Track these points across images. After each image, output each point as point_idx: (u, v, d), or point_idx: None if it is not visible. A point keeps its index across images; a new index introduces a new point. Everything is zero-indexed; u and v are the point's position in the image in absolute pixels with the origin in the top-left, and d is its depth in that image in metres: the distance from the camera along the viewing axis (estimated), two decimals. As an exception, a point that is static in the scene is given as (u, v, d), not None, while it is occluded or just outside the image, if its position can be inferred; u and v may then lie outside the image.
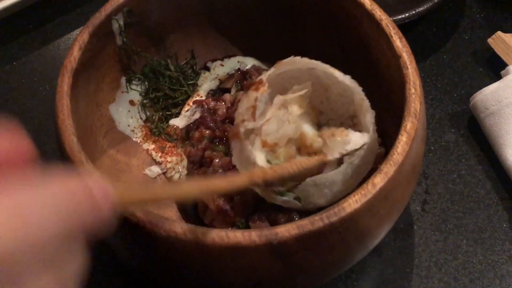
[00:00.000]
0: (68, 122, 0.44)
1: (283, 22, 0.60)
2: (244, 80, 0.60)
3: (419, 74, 0.46)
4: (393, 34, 0.47)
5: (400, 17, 0.68)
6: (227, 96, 0.58)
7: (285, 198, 0.45)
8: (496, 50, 0.67)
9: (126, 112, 0.59)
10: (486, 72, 0.69)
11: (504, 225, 0.57)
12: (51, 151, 0.62)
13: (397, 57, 0.46)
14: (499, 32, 0.67)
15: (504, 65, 0.65)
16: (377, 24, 0.48)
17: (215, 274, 0.40)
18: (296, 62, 0.48)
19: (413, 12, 0.68)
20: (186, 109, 0.61)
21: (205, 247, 0.38)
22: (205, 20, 0.61)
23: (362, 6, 0.49)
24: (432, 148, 0.63)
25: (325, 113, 0.51)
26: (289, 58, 0.48)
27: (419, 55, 0.70)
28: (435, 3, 0.69)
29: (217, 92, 0.62)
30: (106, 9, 0.51)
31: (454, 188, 0.60)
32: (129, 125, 0.59)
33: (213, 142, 0.54)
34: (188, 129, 0.58)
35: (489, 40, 0.67)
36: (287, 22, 0.60)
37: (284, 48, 0.60)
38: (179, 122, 0.60)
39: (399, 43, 0.46)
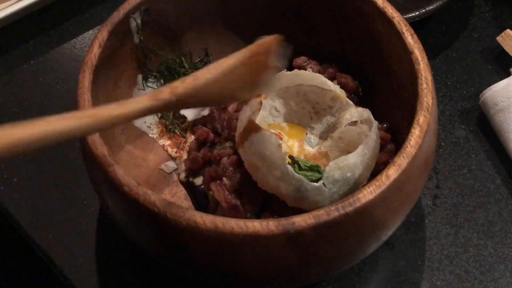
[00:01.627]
0: (89, 117, 0.45)
1: (295, 20, 0.61)
2: None
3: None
4: (405, 31, 0.48)
5: (410, 15, 0.69)
6: None
7: (315, 184, 0.45)
8: (505, 48, 0.68)
9: (142, 109, 0.60)
10: (495, 69, 0.70)
11: (514, 219, 0.58)
12: (68, 145, 0.64)
13: (409, 53, 0.47)
14: (507, 30, 0.68)
15: (513, 62, 0.66)
16: (389, 21, 0.49)
17: (234, 262, 0.41)
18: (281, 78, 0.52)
19: (423, 10, 0.69)
20: None
21: (224, 236, 0.39)
22: (218, 19, 0.62)
23: (374, 4, 0.50)
24: (442, 144, 0.64)
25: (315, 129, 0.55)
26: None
27: (429, 53, 0.70)
28: (444, 2, 0.70)
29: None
30: (124, 8, 0.52)
31: (464, 183, 0.61)
32: (145, 122, 0.61)
33: (216, 143, 0.56)
34: (195, 122, 0.59)
35: (498, 38, 0.68)
36: (299, 20, 0.61)
37: (296, 45, 0.62)
38: (189, 113, 0.61)
39: (411, 39, 0.48)
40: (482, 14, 0.76)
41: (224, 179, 0.51)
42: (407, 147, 0.42)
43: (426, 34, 0.74)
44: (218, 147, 0.56)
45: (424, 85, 0.45)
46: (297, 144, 0.53)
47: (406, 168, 0.41)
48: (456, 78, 0.70)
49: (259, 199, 0.50)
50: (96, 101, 0.48)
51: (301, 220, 0.39)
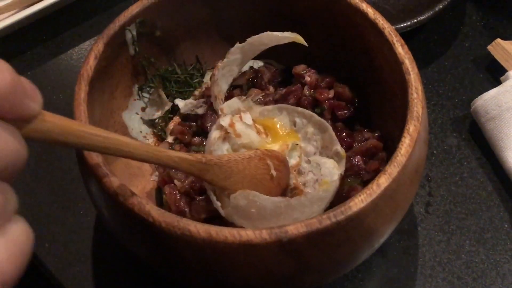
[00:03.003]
0: (85, 127, 0.46)
1: (288, 30, 0.62)
2: (255, 78, 0.62)
3: (421, 80, 0.48)
4: (395, 42, 0.49)
5: (401, 25, 0.70)
6: (237, 92, 0.60)
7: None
8: (495, 57, 0.69)
9: (138, 119, 0.61)
10: (486, 78, 0.71)
11: (506, 226, 0.59)
12: (65, 156, 0.65)
13: (399, 63, 0.48)
14: (498, 39, 0.69)
15: (503, 71, 0.67)
16: (380, 32, 0.50)
17: (227, 270, 0.42)
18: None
19: (415, 20, 0.70)
20: (196, 93, 0.63)
21: (218, 245, 0.39)
22: (213, 29, 0.63)
23: (365, 16, 0.51)
24: (434, 152, 0.65)
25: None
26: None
27: (421, 62, 0.73)
28: (435, 11, 0.71)
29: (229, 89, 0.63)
30: (120, 20, 0.53)
31: (456, 190, 0.62)
32: (141, 131, 0.61)
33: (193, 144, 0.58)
34: (187, 118, 0.61)
35: (489, 47, 0.70)
36: (292, 30, 0.62)
37: (290, 55, 0.63)
38: (182, 105, 0.62)
39: (401, 50, 0.48)
40: (473, 24, 0.77)
41: (176, 181, 0.53)
42: (397, 156, 0.43)
43: (418, 43, 0.75)
44: (194, 148, 0.57)
45: (415, 95, 0.46)
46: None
47: (397, 176, 0.42)
48: (448, 87, 0.71)
49: (204, 209, 0.51)
50: (92, 112, 0.49)
51: (294, 229, 0.39)
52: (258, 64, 0.64)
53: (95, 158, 0.44)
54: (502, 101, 0.62)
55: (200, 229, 0.40)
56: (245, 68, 0.64)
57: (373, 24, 0.51)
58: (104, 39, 0.52)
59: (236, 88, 0.63)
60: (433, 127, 0.67)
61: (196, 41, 0.64)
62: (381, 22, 0.50)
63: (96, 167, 0.43)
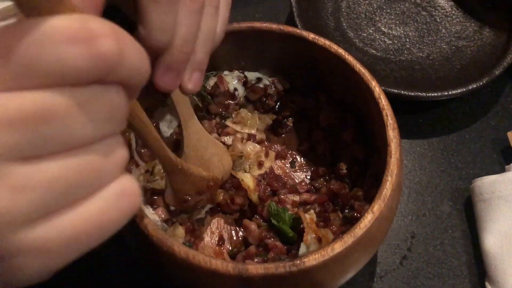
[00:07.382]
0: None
1: (306, 77, 0.70)
2: (265, 98, 0.71)
3: (439, 147, 0.54)
4: (388, 124, 0.55)
5: (434, 94, 0.73)
6: (249, 108, 0.72)
7: None
8: (511, 144, 0.72)
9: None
10: (498, 161, 0.75)
11: (465, 296, 0.65)
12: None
13: (386, 144, 0.55)
14: (517, 128, 0.72)
15: (513, 159, 0.71)
16: (379, 111, 0.57)
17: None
18: None
19: (446, 93, 0.73)
20: None
21: (192, 266, 0.49)
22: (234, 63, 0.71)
23: (372, 92, 0.58)
24: (427, 213, 0.71)
25: None
26: None
27: (445, 129, 0.78)
28: (468, 89, 0.73)
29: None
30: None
31: (433, 252, 0.68)
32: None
33: None
34: None
35: (509, 133, 0.73)
36: (308, 78, 0.69)
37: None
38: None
39: (391, 133, 0.55)
40: (506, 105, 0.80)
41: None
42: (356, 228, 0.50)
43: (447, 110, 0.80)
44: None
45: (389, 178, 0.52)
46: None
47: (351, 245, 0.49)
48: (460, 158, 0.75)
49: None
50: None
51: (253, 268, 0.48)
52: (265, 79, 0.70)
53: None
54: (497, 189, 0.66)
55: (181, 250, 0.49)
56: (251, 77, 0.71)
57: (376, 102, 0.57)
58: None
59: (249, 104, 0.71)
60: (433, 191, 0.73)
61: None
62: (383, 102, 0.57)
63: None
